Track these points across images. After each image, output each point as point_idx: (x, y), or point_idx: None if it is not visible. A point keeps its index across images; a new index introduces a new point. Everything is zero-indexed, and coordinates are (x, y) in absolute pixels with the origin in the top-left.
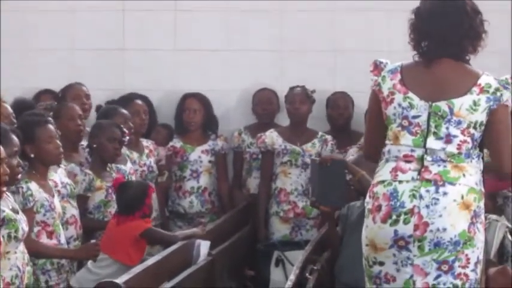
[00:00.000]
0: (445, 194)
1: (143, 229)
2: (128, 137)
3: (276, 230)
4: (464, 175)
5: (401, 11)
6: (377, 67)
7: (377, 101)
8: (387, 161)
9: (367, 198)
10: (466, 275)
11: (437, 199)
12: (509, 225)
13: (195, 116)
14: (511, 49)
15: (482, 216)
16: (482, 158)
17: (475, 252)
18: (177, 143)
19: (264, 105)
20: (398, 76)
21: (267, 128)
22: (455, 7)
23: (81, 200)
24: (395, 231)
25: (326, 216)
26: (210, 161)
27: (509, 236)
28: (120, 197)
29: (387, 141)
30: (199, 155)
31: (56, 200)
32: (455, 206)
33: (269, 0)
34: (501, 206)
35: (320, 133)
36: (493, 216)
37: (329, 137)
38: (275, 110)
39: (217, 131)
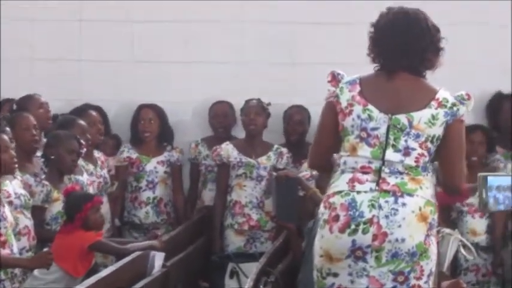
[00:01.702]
0: (404, 204)
1: (92, 242)
2: (85, 149)
3: (230, 242)
4: (421, 187)
5: (362, 24)
6: (335, 78)
7: (333, 112)
8: (343, 172)
9: (322, 209)
10: (419, 286)
11: (397, 210)
12: (463, 239)
13: (150, 126)
14: None
15: (435, 229)
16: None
17: (429, 264)
18: (132, 153)
19: (220, 117)
20: (358, 88)
21: (223, 140)
22: (417, 22)
23: (38, 211)
24: (354, 241)
25: (289, 232)
26: (165, 172)
27: (462, 250)
28: (64, 205)
29: (343, 153)
30: (155, 166)
31: (7, 210)
32: (413, 217)
33: (229, 12)
34: (455, 220)
35: (275, 146)
36: (447, 230)
37: (284, 150)
38: (231, 122)
39: (172, 142)
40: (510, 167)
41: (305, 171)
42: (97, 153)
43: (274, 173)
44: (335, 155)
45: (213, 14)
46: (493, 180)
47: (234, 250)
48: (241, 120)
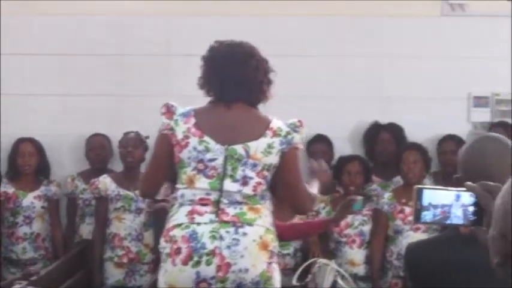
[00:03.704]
0: (244, 234)
1: None
2: None
3: (110, 275)
4: (260, 216)
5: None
6: (169, 110)
7: (168, 144)
8: (181, 205)
9: (163, 244)
10: None
11: (238, 240)
12: (339, 270)
13: (30, 160)
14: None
15: (276, 257)
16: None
17: None
18: (9, 188)
19: (96, 150)
20: (193, 120)
21: (100, 173)
22: (251, 54)
23: None
24: (198, 273)
25: None
26: (43, 207)
27: (340, 281)
28: None
29: (180, 185)
30: (32, 201)
31: None
32: (255, 246)
33: (107, 44)
34: (333, 250)
35: None
36: (323, 260)
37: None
38: (108, 155)
39: (49, 176)
40: (387, 197)
41: None
42: None
43: (153, 205)
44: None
45: (89, 47)
46: (428, 193)
47: (114, 283)
48: (119, 152)
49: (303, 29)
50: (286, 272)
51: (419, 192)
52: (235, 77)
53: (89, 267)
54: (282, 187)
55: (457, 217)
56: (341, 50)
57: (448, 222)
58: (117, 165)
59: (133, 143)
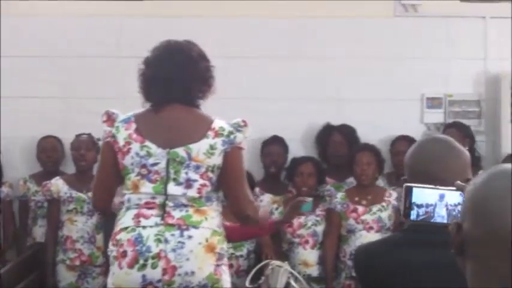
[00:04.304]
0: (190, 237)
1: None
2: None
3: (62, 277)
4: (206, 219)
5: None
6: (110, 118)
7: (111, 152)
8: (128, 209)
9: (111, 247)
10: None
11: (183, 243)
12: (292, 271)
13: None
14: None
15: (226, 259)
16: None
17: None
18: None
19: (48, 152)
20: (133, 126)
21: (53, 175)
22: (180, 52)
23: None
24: (144, 276)
25: None
26: None
27: (293, 282)
28: None
29: (126, 191)
30: None
31: None
32: (200, 248)
33: (57, 46)
34: (286, 251)
35: None
36: (276, 262)
37: None
38: (59, 157)
39: (2, 178)
40: (339, 197)
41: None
42: None
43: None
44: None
45: (40, 50)
46: (417, 191)
47: (66, 286)
48: (72, 155)
49: (256, 31)
50: (239, 274)
51: (409, 190)
52: (162, 78)
53: (42, 270)
54: (224, 188)
55: (440, 216)
56: (294, 52)
57: (432, 221)
58: (70, 168)
59: (86, 145)
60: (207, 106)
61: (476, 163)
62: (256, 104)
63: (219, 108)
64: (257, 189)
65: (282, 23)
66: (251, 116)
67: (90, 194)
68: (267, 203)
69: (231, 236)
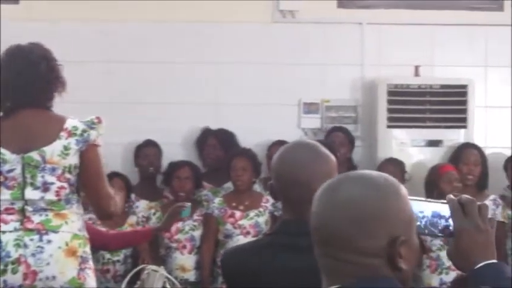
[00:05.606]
0: (49, 241)
1: None
2: None
3: None
4: (66, 222)
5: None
6: None
7: None
8: None
9: None
10: None
11: (42, 247)
12: (169, 276)
13: None
14: None
15: (91, 262)
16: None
17: None
18: None
19: None
20: None
21: None
22: (20, 56)
23: None
24: (5, 282)
25: None
26: None
27: (169, 287)
28: None
29: None
30: None
31: None
32: (60, 253)
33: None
34: (163, 256)
35: None
36: (152, 267)
37: None
38: None
39: None
40: (217, 201)
41: None
42: None
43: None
44: None
45: None
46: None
47: None
48: None
49: (132, 35)
50: (116, 279)
51: None
52: (16, 83)
53: None
54: (84, 187)
55: (434, 227)
56: (174, 56)
57: (427, 232)
58: None
59: None
60: (82, 111)
61: (352, 168)
62: (135, 108)
63: (93, 113)
64: (133, 196)
65: (159, 27)
66: (131, 120)
67: None
68: (142, 210)
69: (108, 245)
